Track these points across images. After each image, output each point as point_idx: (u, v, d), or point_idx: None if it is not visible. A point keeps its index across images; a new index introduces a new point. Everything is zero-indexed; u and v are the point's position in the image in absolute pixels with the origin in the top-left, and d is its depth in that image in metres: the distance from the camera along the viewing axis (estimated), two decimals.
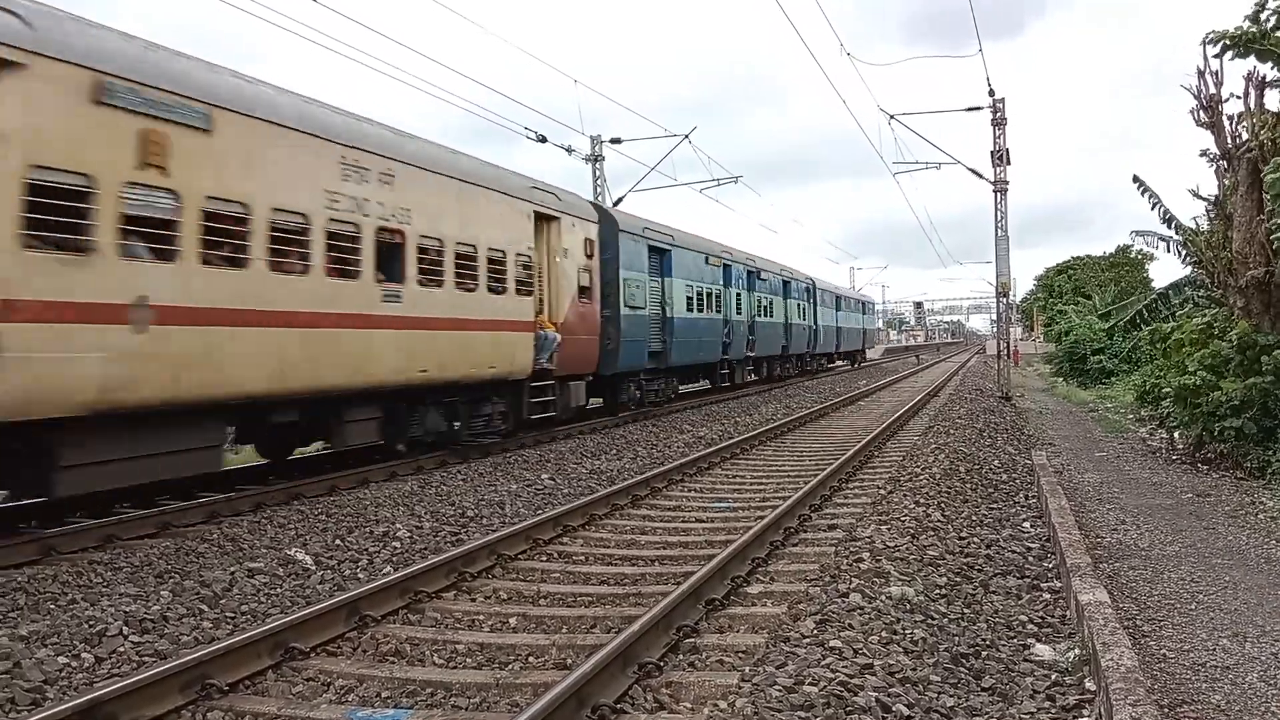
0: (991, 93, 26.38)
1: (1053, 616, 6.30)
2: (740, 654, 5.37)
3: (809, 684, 4.59)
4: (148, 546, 8.42)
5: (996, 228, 26.51)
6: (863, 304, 57.80)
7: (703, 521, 9.44)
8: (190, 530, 9.13)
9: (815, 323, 40.61)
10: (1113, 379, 30.14)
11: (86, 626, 5.95)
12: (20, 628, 5.97)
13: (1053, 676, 5.20)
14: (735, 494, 11.04)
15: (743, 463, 13.73)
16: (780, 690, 4.51)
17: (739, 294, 29.04)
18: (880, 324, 61.32)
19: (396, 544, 8.48)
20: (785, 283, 35.31)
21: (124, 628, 5.97)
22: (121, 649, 5.71)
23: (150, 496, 10.26)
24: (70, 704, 4.45)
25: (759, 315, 31.32)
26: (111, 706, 4.51)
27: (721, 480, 12.13)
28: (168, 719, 4.74)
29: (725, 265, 27.74)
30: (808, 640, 5.27)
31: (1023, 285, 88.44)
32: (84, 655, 5.59)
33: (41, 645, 5.64)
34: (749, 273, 30.48)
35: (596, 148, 32.68)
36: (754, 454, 14.70)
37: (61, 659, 5.50)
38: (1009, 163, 26.33)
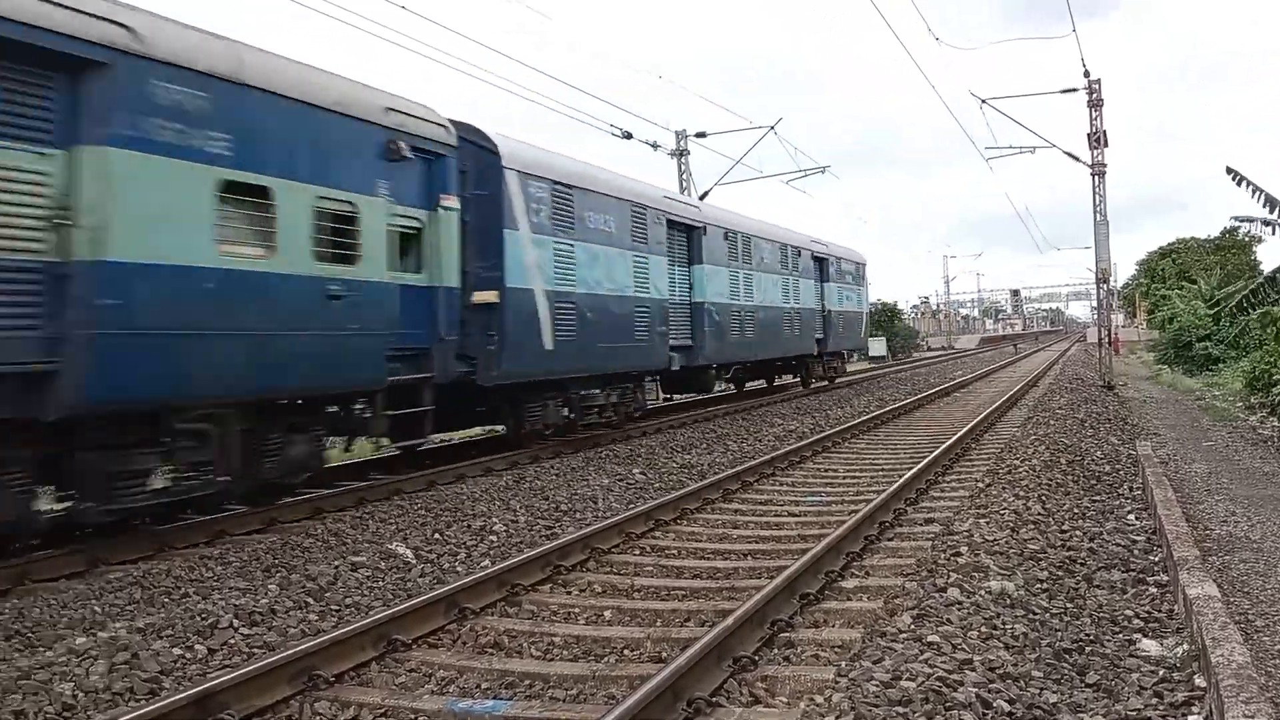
0: (1087, 73, 25.58)
1: (1160, 611, 6.11)
2: (836, 649, 5.34)
3: (907, 679, 4.54)
4: (255, 541, 8.70)
5: (1095, 212, 25.76)
6: (821, 263, 27.61)
7: (795, 515, 9.39)
8: (295, 525, 9.41)
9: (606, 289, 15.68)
10: (1220, 366, 29.06)
11: (199, 619, 6.17)
12: (137, 620, 6.22)
13: (1160, 672, 5.06)
14: (828, 488, 10.95)
15: (835, 456, 13.61)
16: (877, 685, 4.47)
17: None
18: (867, 304, 34.57)
19: (493, 538, 8.62)
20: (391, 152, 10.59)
21: (234, 620, 6.18)
22: (232, 641, 5.91)
23: (256, 494, 10.60)
24: (185, 694, 4.63)
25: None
26: (224, 696, 4.67)
27: (813, 474, 12.04)
28: (277, 709, 4.89)
29: None
30: (905, 635, 5.21)
31: (1123, 271, 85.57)
32: (197, 647, 5.80)
33: (157, 637, 5.86)
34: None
35: (681, 142, 32.68)
36: (847, 447, 14.57)
37: (176, 650, 5.70)
38: (1107, 145, 25.58)
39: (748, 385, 26.63)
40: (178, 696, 4.61)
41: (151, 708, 4.48)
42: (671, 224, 18.31)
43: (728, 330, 20.59)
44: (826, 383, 28.70)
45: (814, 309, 26.69)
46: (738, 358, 22.32)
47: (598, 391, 15.87)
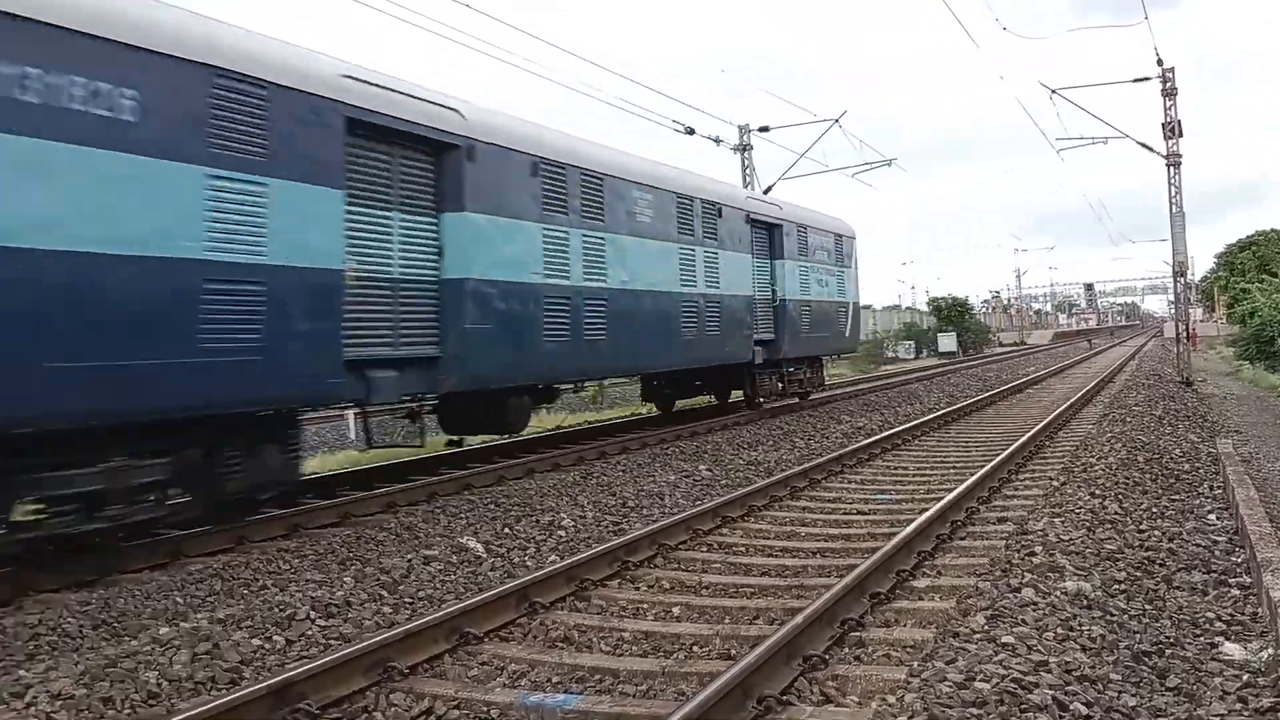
0: (1160, 62, 24.97)
1: (1242, 614, 5.95)
2: (908, 648, 5.30)
3: (980, 680, 4.48)
4: (330, 535, 8.88)
5: (1170, 204, 25.15)
6: (769, 231, 19.38)
7: (864, 514, 9.32)
8: (369, 519, 9.57)
9: None
10: None
11: (277, 611, 6.31)
12: (218, 611, 6.39)
13: (1244, 677, 4.93)
14: (897, 486, 10.84)
15: (905, 454, 13.47)
16: (950, 686, 4.42)
17: None
18: (856, 292, 23.61)
19: (561, 533, 8.68)
20: None
21: (311, 612, 6.31)
22: (309, 632, 6.04)
23: (332, 487, 10.87)
24: (265, 683, 4.73)
25: None
26: (302, 686, 4.78)
27: (882, 472, 11.94)
28: (353, 699, 4.98)
29: None
30: (978, 636, 5.14)
31: (1202, 264, 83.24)
32: (275, 638, 5.92)
33: (237, 628, 6.00)
34: None
35: (744, 137, 32.50)
36: (916, 444, 14.41)
37: (255, 641, 5.84)
38: (1181, 135, 24.94)
39: (721, 402, 19.95)
40: (257, 686, 4.71)
41: (233, 696, 4.59)
42: (364, 130, 9.45)
43: (534, 330, 11.86)
44: (795, 399, 20.98)
45: (750, 296, 18.03)
46: (563, 374, 13.58)
47: (83, 472, 7.20)
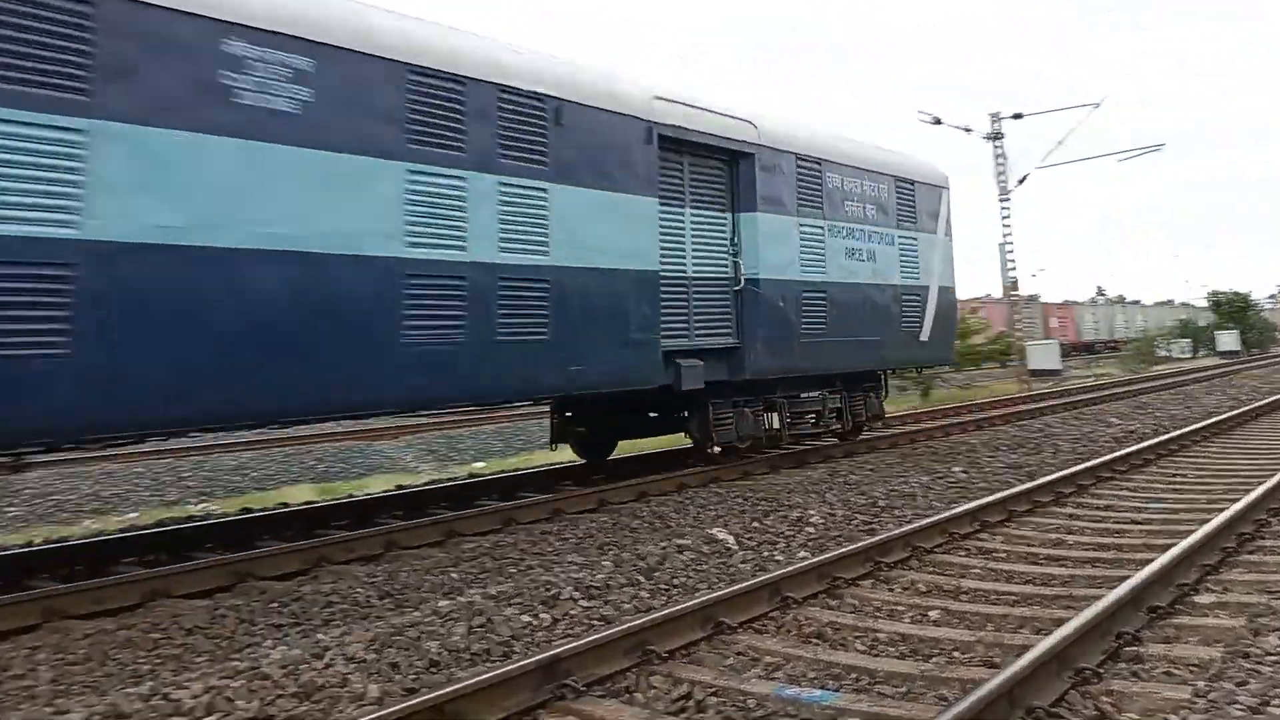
0: None
1: None
2: (1191, 667, 4.95)
3: (1276, 705, 4.15)
4: (588, 520, 9.26)
5: None
6: (729, 165, 11.85)
7: (1138, 523, 8.74)
8: (623, 507, 9.91)
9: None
10: None
11: (543, 590, 6.63)
12: (489, 588, 6.78)
13: None
14: (1174, 494, 10.10)
15: (1182, 460, 12.53)
16: (1242, 710, 4.12)
17: None
18: (948, 273, 15.28)
19: (810, 529, 8.65)
20: None
21: (574, 593, 6.59)
22: (573, 612, 6.31)
23: (588, 476, 11.33)
24: (535, 658, 4.98)
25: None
26: (568, 663, 5.00)
27: (1157, 479, 11.15)
28: (615, 679, 5.17)
29: None
30: (1272, 658, 4.76)
31: None
32: (542, 615, 6.22)
33: (507, 604, 6.35)
34: None
35: (995, 124, 31.11)
36: (1195, 450, 13.37)
37: (524, 617, 6.15)
38: None
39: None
40: (528, 660, 4.96)
41: (507, 668, 4.86)
42: None
43: None
44: (832, 439, 14.29)
45: (652, 271, 10.63)
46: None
47: None
